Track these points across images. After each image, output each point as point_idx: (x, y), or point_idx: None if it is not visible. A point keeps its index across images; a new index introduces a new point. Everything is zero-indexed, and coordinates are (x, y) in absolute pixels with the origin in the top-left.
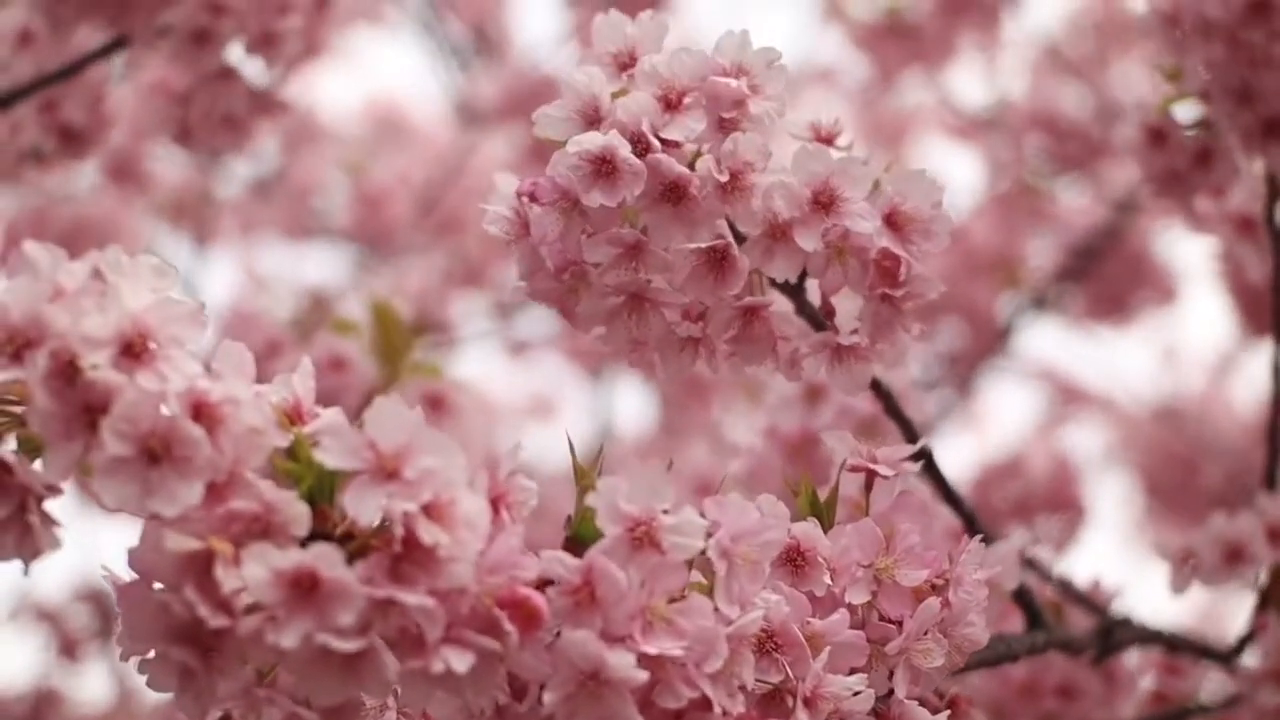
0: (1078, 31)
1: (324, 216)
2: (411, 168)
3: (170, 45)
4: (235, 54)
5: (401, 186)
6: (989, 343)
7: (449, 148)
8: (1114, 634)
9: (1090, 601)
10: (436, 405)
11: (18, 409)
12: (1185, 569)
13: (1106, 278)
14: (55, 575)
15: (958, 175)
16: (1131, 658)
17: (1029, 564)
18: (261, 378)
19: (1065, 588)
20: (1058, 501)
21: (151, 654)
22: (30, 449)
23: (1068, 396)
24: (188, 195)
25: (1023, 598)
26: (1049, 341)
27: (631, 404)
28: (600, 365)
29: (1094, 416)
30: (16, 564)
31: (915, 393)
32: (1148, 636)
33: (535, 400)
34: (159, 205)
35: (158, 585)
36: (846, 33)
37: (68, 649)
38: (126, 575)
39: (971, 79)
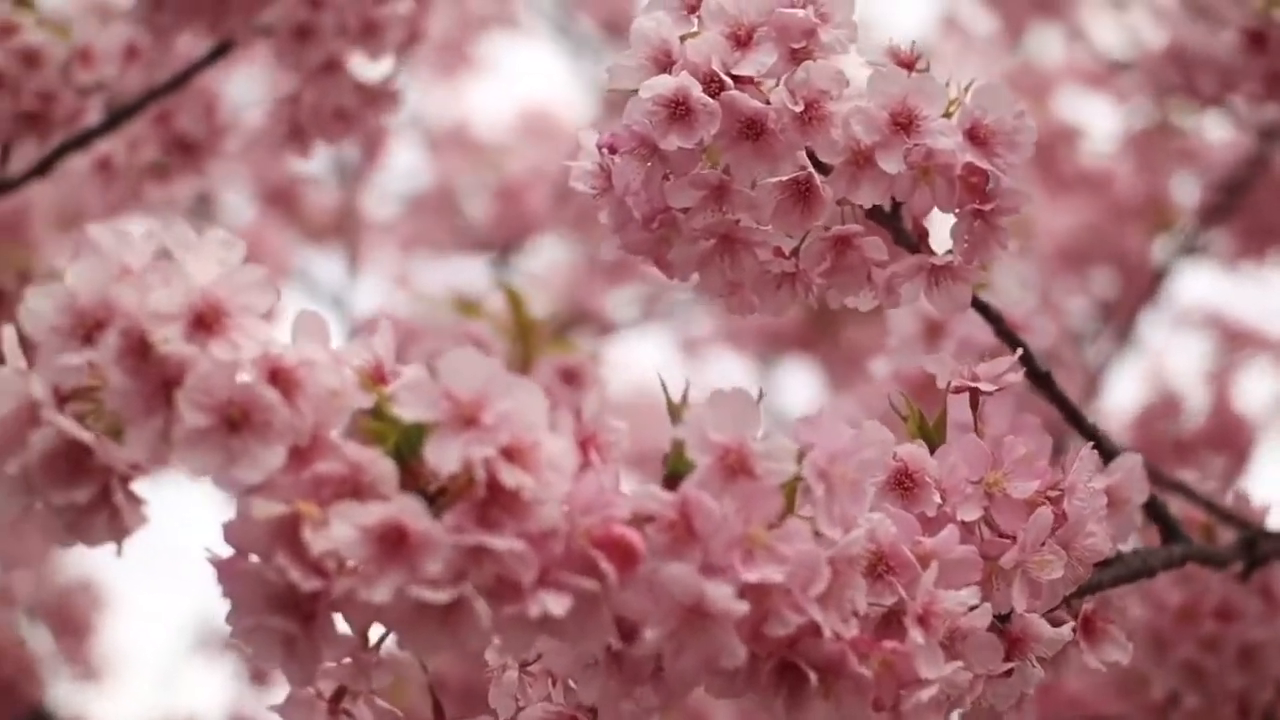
0: None
1: (468, 222)
2: (546, 160)
3: (273, 45)
4: (339, 47)
5: (537, 179)
6: (1144, 290)
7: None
8: (1258, 546)
9: (1239, 518)
10: (571, 379)
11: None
12: None
13: (1258, 211)
14: None
15: (1098, 123)
16: None
17: (1175, 486)
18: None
19: (1211, 506)
20: (1221, 440)
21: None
22: (114, 432)
23: (1236, 340)
24: (337, 215)
25: (1155, 511)
26: (1207, 284)
27: (799, 385)
28: (766, 350)
29: (1266, 359)
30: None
31: (1039, 319)
32: None
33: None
34: (308, 226)
35: (253, 557)
36: None
37: (258, 676)
38: (225, 552)
39: (1104, 24)
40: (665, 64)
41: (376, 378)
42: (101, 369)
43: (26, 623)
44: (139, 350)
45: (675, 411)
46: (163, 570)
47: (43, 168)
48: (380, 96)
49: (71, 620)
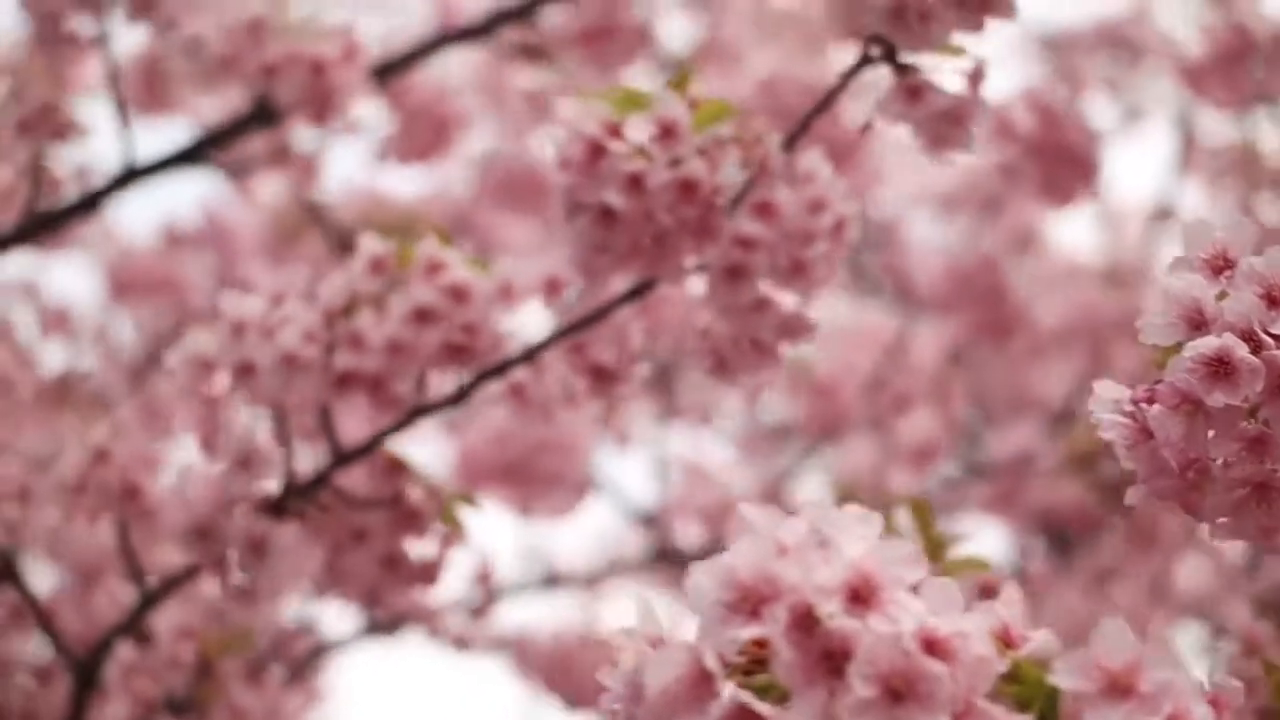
0: None
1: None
2: (855, 357)
3: (706, 283)
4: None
5: (849, 375)
6: None
7: (889, 335)
8: None
9: None
10: (988, 593)
11: (741, 658)
12: None
13: None
14: None
15: None
16: None
17: None
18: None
19: None
20: None
21: None
22: (767, 696)
23: None
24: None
25: None
26: None
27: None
28: (1035, 524)
29: None
30: None
31: None
32: None
33: None
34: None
35: None
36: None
37: None
38: None
39: None
40: (1198, 322)
41: (1005, 641)
42: (769, 642)
43: None
44: (804, 624)
45: None
46: None
47: (461, 395)
48: (798, 328)
49: None
